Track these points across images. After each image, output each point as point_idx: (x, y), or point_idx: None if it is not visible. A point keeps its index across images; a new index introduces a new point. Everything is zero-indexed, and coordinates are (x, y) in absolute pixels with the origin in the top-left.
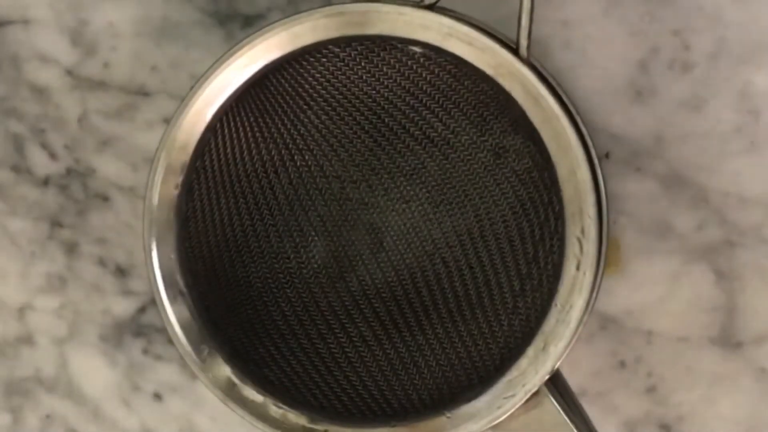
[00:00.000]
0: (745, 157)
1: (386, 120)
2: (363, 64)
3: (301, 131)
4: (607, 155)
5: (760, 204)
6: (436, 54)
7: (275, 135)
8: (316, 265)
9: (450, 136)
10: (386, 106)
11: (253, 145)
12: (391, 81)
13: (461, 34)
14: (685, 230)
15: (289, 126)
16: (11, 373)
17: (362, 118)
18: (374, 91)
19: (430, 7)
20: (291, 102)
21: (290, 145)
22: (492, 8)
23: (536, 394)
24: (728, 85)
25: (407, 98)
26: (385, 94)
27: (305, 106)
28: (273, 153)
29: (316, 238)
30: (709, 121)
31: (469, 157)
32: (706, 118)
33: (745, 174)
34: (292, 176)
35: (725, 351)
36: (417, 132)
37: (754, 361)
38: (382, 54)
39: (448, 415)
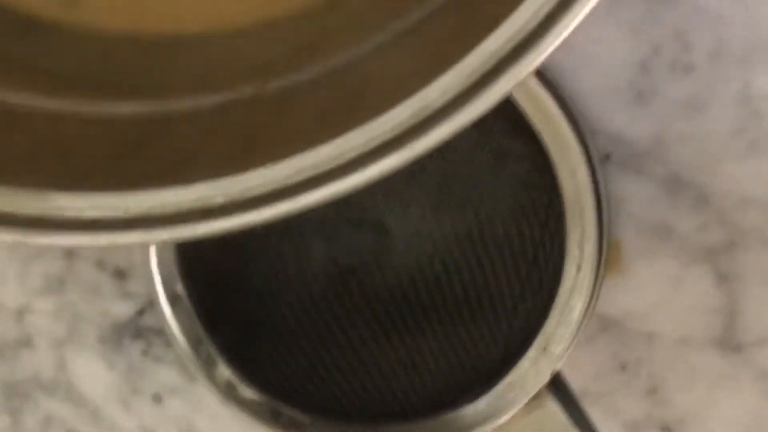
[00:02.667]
0: (746, 159)
1: None
2: None
3: None
4: (607, 156)
5: (762, 205)
6: None
7: None
8: (315, 267)
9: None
10: None
11: None
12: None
13: None
14: (686, 232)
15: None
16: (10, 375)
17: None
18: None
19: None
20: None
21: None
22: None
23: (537, 396)
24: (729, 87)
25: None
26: None
27: None
28: None
29: (315, 240)
30: (710, 122)
31: (468, 159)
32: (707, 119)
33: (747, 175)
34: None
35: (727, 353)
36: None
37: (756, 363)
38: None
39: (449, 417)
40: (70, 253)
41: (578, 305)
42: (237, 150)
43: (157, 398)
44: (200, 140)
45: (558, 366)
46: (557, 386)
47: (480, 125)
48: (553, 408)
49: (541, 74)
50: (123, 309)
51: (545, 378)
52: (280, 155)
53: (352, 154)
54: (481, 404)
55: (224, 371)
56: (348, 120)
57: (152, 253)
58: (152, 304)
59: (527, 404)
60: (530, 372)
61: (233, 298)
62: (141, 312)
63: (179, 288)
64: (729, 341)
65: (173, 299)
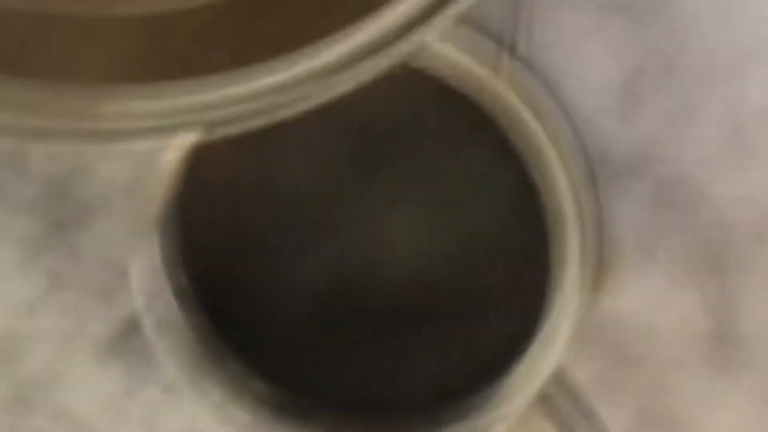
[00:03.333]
0: (740, 166)
1: (371, 135)
2: None
3: (298, 137)
4: (595, 168)
5: (755, 210)
6: (418, 76)
7: (273, 139)
8: (315, 266)
9: (432, 158)
10: (372, 121)
11: (251, 147)
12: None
13: (443, 57)
14: (679, 239)
15: (286, 131)
16: (11, 375)
17: (354, 125)
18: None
19: None
20: None
21: (288, 149)
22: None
23: (537, 396)
24: (722, 93)
25: (389, 117)
26: (371, 108)
27: None
28: (271, 156)
29: (315, 240)
30: (703, 129)
31: (454, 183)
32: (695, 130)
33: (741, 182)
34: (290, 179)
35: (725, 350)
36: (401, 153)
37: (755, 361)
38: None
39: (447, 416)
40: (71, 253)
41: (579, 303)
42: (235, 52)
43: (159, 396)
44: (202, 42)
45: (557, 366)
46: (557, 386)
47: (465, 148)
48: (552, 408)
49: (525, 93)
50: (124, 307)
51: (545, 378)
52: (273, 57)
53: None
54: (480, 404)
55: (226, 369)
56: (327, 22)
57: (154, 252)
58: (154, 302)
59: (527, 405)
60: (529, 373)
61: (235, 296)
62: (145, 309)
63: (181, 287)
64: (728, 339)
65: (175, 298)
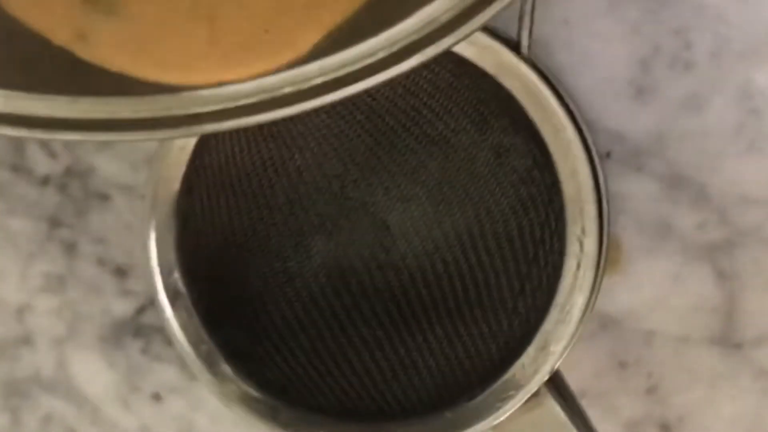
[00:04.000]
0: (746, 157)
1: (387, 119)
2: None
3: (301, 130)
4: (608, 154)
5: (762, 203)
6: None
7: (275, 133)
8: (315, 265)
9: (450, 135)
10: (387, 105)
11: (252, 143)
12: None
13: None
14: (685, 230)
15: (289, 125)
16: (10, 373)
17: (363, 117)
18: (375, 90)
19: None
20: None
21: (290, 144)
22: None
23: (536, 394)
24: (729, 84)
25: (408, 97)
26: (386, 93)
27: None
28: (273, 152)
29: (315, 238)
30: (710, 120)
31: (469, 156)
32: (707, 117)
33: (746, 173)
34: (291, 175)
35: (725, 351)
36: (417, 131)
37: (755, 362)
38: None
39: (448, 415)
40: (70, 252)
41: (578, 303)
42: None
43: (156, 396)
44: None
45: (557, 364)
46: (556, 384)
47: (480, 123)
48: (551, 406)
49: (542, 72)
50: (123, 307)
51: (544, 376)
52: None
53: (382, 53)
54: (480, 402)
55: (224, 369)
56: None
57: (152, 251)
58: (152, 302)
59: (526, 402)
60: (529, 370)
61: (233, 295)
62: (141, 310)
63: (179, 286)
64: (728, 340)
65: (173, 297)
